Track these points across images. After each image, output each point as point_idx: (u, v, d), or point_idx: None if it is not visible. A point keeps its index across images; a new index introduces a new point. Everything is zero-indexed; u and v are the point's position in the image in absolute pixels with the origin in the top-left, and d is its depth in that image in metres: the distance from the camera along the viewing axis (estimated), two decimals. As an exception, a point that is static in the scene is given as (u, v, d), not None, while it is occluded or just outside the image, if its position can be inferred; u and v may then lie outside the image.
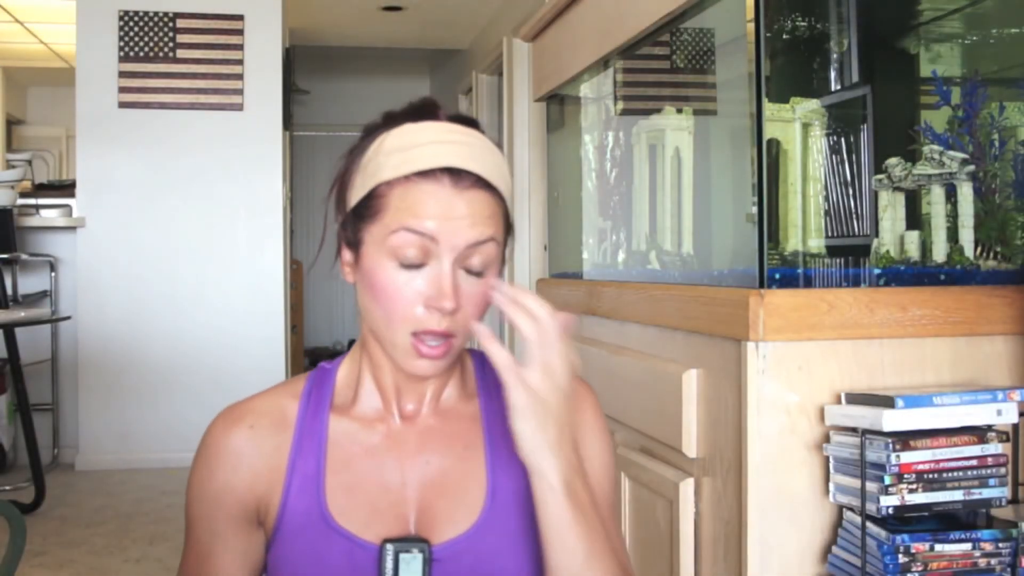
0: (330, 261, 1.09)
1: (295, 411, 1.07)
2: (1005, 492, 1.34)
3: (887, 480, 1.29)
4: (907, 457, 1.30)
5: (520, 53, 4.90)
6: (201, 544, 1.07)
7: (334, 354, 7.86)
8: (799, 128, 1.71)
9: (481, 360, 1.13)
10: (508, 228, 1.04)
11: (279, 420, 1.07)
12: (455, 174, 0.98)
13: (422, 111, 1.03)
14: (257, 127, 4.91)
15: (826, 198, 1.79)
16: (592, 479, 1.07)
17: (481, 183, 0.99)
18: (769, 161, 1.60)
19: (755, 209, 1.53)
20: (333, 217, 1.07)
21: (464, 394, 1.11)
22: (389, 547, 1.01)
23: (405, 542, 1.02)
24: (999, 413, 1.33)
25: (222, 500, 1.05)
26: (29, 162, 5.43)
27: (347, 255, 1.04)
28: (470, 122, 1.05)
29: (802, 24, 1.87)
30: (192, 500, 1.07)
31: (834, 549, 1.42)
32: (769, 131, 1.61)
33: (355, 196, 1.02)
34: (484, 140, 1.03)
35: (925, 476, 1.30)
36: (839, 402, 1.43)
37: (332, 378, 1.11)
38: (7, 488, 4.23)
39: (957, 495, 1.31)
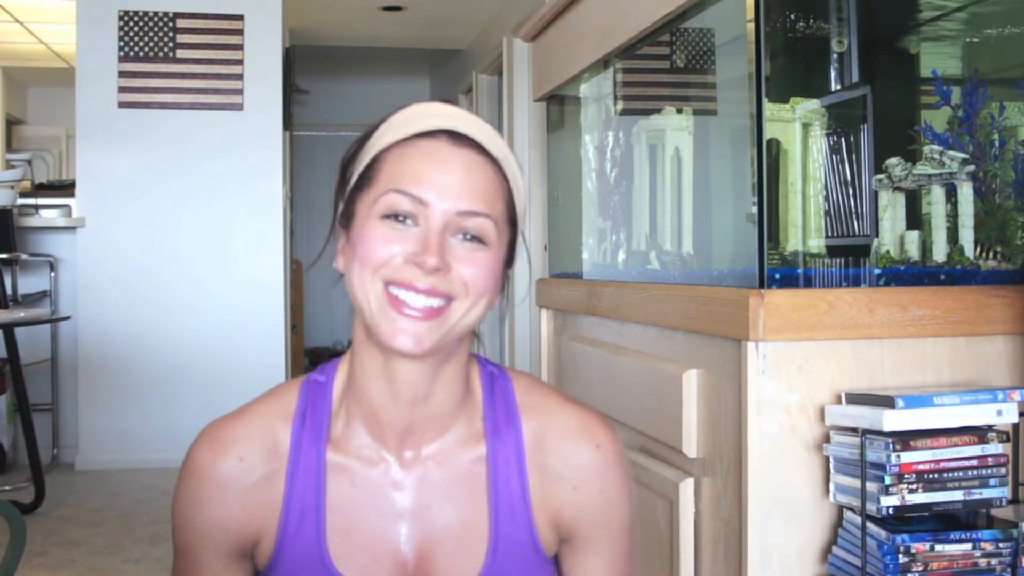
0: (331, 260, 1.04)
1: (287, 438, 1.00)
2: (1005, 492, 1.33)
3: (887, 480, 1.29)
4: (907, 457, 1.30)
5: (520, 53, 4.90)
6: (187, 573, 1.02)
7: (334, 354, 7.87)
8: (799, 128, 1.71)
9: (491, 386, 1.05)
10: (512, 221, 1.00)
11: (270, 448, 1.00)
12: (455, 137, 0.95)
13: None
14: (257, 127, 4.91)
15: (826, 198, 1.79)
16: (619, 544, 1.06)
17: (483, 153, 0.96)
18: (769, 161, 1.60)
19: (755, 209, 1.53)
20: (335, 208, 1.03)
21: (471, 434, 1.03)
22: None
23: None
24: (999, 413, 1.33)
25: (209, 533, 1.00)
26: (29, 162, 5.42)
27: (341, 240, 1.00)
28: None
29: (802, 24, 1.87)
30: (177, 528, 1.02)
31: (834, 549, 1.41)
32: (769, 131, 1.61)
33: (356, 172, 0.99)
34: (496, 132, 1.00)
35: (925, 476, 1.30)
36: (839, 402, 1.43)
37: (326, 397, 1.03)
38: (7, 488, 4.23)
39: (957, 495, 1.31)
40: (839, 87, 1.90)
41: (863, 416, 1.34)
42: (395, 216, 0.93)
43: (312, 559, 0.99)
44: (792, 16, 1.83)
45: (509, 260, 1.01)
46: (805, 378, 1.43)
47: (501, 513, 1.01)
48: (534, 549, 1.02)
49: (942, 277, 1.56)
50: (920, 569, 1.29)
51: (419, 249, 0.92)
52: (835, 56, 1.88)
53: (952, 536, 1.31)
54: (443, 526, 1.00)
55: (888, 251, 1.62)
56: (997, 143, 1.65)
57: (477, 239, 0.94)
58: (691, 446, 1.61)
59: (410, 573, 1.00)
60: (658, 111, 2.21)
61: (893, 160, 1.64)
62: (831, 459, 1.41)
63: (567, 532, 1.04)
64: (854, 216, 1.81)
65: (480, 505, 1.01)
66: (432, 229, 0.93)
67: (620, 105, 2.45)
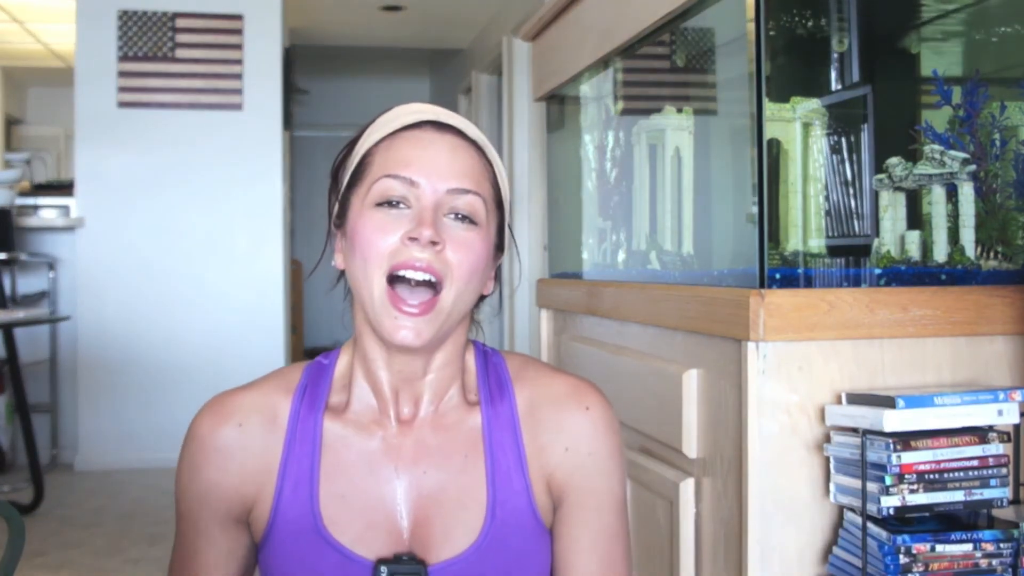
0: (330, 262, 1.08)
1: (287, 409, 1.04)
2: (1006, 493, 1.33)
3: (888, 480, 1.29)
4: (908, 457, 1.29)
5: (520, 53, 4.89)
6: (188, 540, 1.05)
7: (334, 354, 7.87)
8: (799, 128, 1.70)
9: (484, 363, 1.09)
10: (499, 204, 1.05)
11: (270, 418, 1.04)
12: (438, 126, 1.02)
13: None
14: (257, 127, 4.91)
15: (826, 198, 1.79)
16: (612, 513, 1.06)
17: (467, 141, 1.03)
18: (769, 161, 1.59)
19: (755, 209, 1.53)
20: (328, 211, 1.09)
21: (466, 401, 1.06)
22: (384, 569, 0.98)
23: (400, 563, 0.99)
24: (1000, 413, 1.33)
25: (209, 499, 1.03)
26: (28, 162, 5.42)
27: (338, 239, 1.05)
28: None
29: (802, 24, 1.87)
30: (179, 496, 1.05)
31: (835, 550, 1.41)
32: (769, 131, 1.61)
33: (347, 172, 1.04)
34: (477, 130, 1.06)
35: (926, 476, 1.30)
36: (840, 402, 1.43)
37: (329, 375, 1.07)
38: (6, 489, 4.23)
39: (958, 495, 1.31)
40: (839, 87, 1.90)
41: (863, 416, 1.33)
42: (388, 202, 0.98)
43: (306, 526, 1.01)
44: (792, 16, 1.83)
45: (500, 245, 1.06)
46: (805, 378, 1.43)
47: (499, 480, 1.03)
48: (532, 515, 1.04)
49: (943, 277, 1.56)
50: (921, 569, 1.29)
51: (414, 226, 0.97)
52: (835, 56, 1.88)
53: (953, 537, 1.31)
54: (440, 491, 1.02)
55: (889, 251, 1.61)
56: (998, 143, 1.64)
57: (468, 219, 1.00)
58: (691, 446, 1.61)
59: (406, 540, 1.02)
60: (658, 111, 2.21)
61: (894, 160, 1.64)
62: (831, 459, 1.40)
63: (558, 496, 1.06)
64: (854, 216, 1.81)
65: (477, 472, 1.03)
66: (425, 207, 0.98)
67: (620, 105, 2.45)
